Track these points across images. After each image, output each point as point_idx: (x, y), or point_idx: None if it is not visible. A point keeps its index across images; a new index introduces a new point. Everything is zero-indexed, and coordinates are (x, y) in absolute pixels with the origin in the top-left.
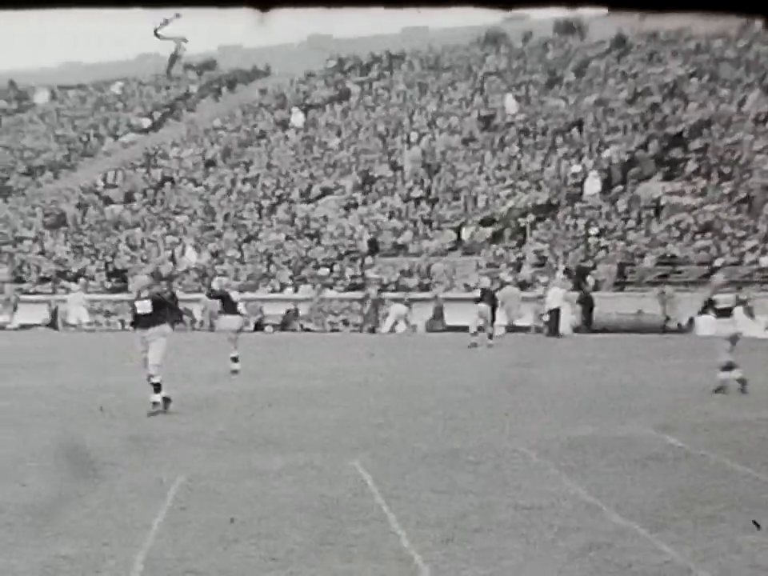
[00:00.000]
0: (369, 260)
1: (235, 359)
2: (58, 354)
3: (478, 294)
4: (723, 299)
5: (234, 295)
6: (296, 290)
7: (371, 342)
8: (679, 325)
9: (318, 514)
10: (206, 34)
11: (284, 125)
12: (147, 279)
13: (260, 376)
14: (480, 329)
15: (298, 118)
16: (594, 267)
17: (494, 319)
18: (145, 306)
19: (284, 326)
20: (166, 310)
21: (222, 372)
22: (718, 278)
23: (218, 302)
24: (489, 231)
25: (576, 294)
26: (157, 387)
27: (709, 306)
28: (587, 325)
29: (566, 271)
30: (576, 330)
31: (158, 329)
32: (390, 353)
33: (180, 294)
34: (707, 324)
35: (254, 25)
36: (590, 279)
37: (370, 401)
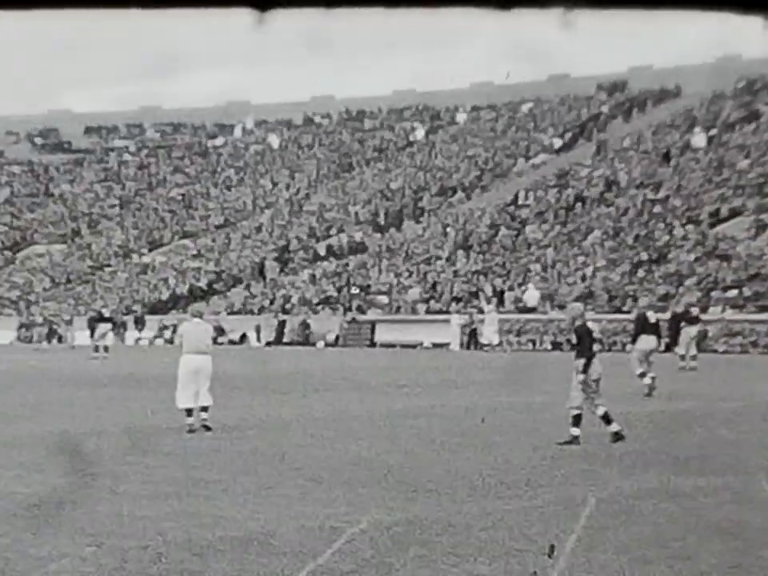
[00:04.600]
0: None
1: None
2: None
3: None
4: None
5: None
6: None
7: None
8: None
9: (731, 536)
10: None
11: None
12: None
13: (672, 397)
14: None
15: (700, 139)
16: None
17: None
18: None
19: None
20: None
21: (630, 392)
22: None
23: None
24: None
25: None
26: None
27: None
28: None
29: None
30: None
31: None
32: None
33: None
34: None
35: (253, 25)
36: None
37: None
